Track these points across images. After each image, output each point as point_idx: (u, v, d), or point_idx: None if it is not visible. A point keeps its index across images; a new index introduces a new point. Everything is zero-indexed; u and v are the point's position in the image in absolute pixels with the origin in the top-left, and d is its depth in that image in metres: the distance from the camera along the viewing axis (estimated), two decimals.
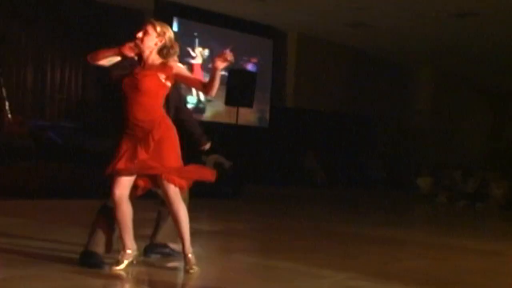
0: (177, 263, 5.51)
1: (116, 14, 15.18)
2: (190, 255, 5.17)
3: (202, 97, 16.69)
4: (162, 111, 5.15)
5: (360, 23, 17.12)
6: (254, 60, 17.95)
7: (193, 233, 6.55)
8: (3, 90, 12.13)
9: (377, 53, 20.60)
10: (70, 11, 14.66)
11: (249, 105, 14.16)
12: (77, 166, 11.23)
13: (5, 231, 6.72)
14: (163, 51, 5.16)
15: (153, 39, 5.15)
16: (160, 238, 5.80)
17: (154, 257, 5.72)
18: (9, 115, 12.05)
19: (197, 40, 16.70)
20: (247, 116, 17.13)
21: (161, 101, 5.15)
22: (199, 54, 16.75)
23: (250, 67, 17.65)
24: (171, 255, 5.79)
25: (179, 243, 5.31)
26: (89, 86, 15.02)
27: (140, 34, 5.14)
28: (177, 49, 5.23)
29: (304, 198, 15.03)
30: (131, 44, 5.12)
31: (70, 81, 14.85)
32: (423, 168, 18.10)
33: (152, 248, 5.79)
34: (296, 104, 18.97)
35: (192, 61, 16.62)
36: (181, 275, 5.39)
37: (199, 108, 16.78)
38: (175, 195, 5.13)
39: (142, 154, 4.98)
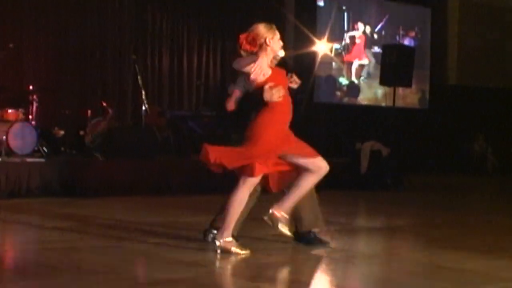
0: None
1: None
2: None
3: (354, 78, 16.63)
4: None
5: None
6: (412, 34, 17.63)
7: (351, 230, 6.59)
8: (139, 78, 12.43)
9: None
10: None
11: (408, 84, 13.92)
12: None
13: None
14: None
15: None
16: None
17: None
18: (146, 106, 12.37)
19: (346, 15, 16.61)
20: (406, 97, 16.90)
21: None
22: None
23: (407, 42, 17.35)
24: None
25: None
26: (229, 70, 15.27)
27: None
28: None
29: (474, 187, 14.64)
30: None
31: (208, 65, 15.15)
32: None
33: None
34: (460, 81, 18.48)
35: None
36: (340, 273, 5.44)
37: (352, 90, 16.71)
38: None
39: None
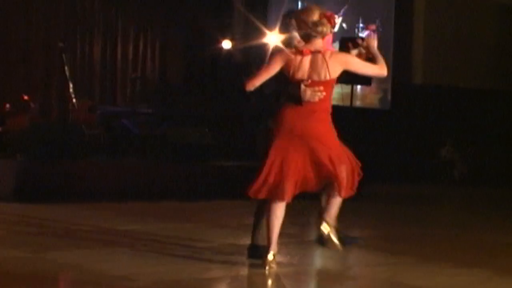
0: None
1: None
2: None
3: None
4: None
5: None
6: (372, 27, 17.77)
7: (300, 242, 6.69)
8: (66, 69, 12.35)
9: None
10: None
11: (367, 82, 14.12)
12: (159, 161, 11.51)
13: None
14: None
15: None
16: None
17: None
18: (74, 100, 12.31)
19: (300, 4, 16.68)
20: (365, 96, 17.07)
21: None
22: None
23: (367, 35, 17.50)
24: None
25: None
26: (169, 62, 15.28)
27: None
28: None
29: (440, 198, 14.84)
30: None
31: (146, 57, 15.13)
32: None
33: None
34: (426, 80, 18.69)
35: None
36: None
37: None
38: None
39: None
